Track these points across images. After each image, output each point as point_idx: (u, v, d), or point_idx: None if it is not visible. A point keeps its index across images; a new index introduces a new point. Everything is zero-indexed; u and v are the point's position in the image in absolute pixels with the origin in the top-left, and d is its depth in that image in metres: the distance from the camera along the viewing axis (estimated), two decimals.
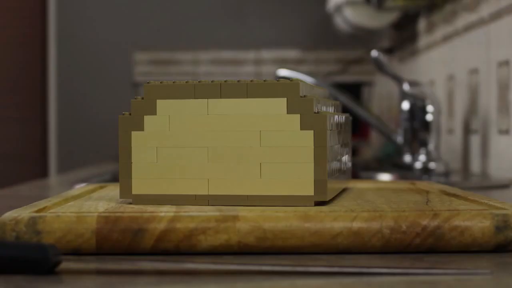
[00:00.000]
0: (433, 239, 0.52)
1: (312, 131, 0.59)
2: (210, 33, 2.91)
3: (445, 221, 0.53)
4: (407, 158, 1.42)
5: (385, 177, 1.26)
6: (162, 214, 0.53)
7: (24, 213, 0.54)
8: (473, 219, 0.53)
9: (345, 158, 0.71)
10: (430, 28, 1.83)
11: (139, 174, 0.61)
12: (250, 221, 0.52)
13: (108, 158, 2.37)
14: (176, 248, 0.52)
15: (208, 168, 0.60)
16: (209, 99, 0.60)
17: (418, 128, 1.41)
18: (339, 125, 0.66)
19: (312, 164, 0.59)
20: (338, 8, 2.16)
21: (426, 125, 1.41)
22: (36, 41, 3.04)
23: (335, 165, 0.63)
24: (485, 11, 1.39)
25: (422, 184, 0.79)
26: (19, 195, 1.02)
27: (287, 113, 0.59)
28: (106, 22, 2.94)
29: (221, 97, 0.60)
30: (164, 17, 2.93)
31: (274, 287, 0.44)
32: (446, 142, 1.62)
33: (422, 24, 1.91)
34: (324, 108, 0.64)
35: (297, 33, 2.90)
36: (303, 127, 0.59)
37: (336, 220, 0.53)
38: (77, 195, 0.66)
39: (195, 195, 0.60)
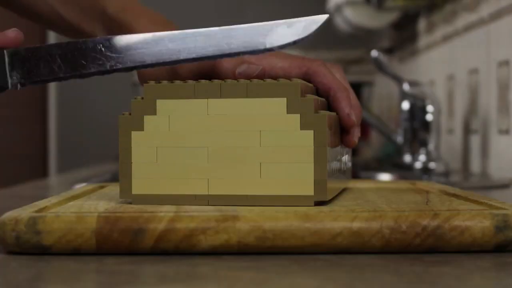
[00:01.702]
0: (433, 239, 0.52)
1: (312, 131, 0.59)
2: None
3: (445, 221, 0.53)
4: (407, 158, 1.42)
5: (385, 177, 1.26)
6: (162, 214, 0.53)
7: (24, 213, 0.54)
8: (473, 219, 0.53)
9: (345, 158, 0.71)
10: (430, 28, 1.83)
11: (139, 174, 0.61)
12: (250, 221, 0.52)
13: (108, 158, 2.37)
14: (176, 248, 0.52)
15: (208, 168, 0.60)
16: (209, 99, 0.60)
17: (418, 128, 1.41)
18: (339, 124, 0.66)
19: (312, 164, 0.59)
20: (338, 8, 2.16)
21: (426, 125, 1.41)
22: (36, 41, 3.04)
23: (335, 165, 0.63)
24: (485, 11, 1.39)
25: (422, 184, 0.79)
26: (19, 195, 1.02)
27: (287, 113, 0.59)
28: None
29: (221, 97, 0.60)
30: (164, 17, 2.93)
31: (274, 286, 0.44)
32: (446, 142, 1.62)
33: (422, 24, 1.91)
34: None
35: None
36: (303, 127, 0.59)
37: (336, 220, 0.53)
38: (77, 195, 0.66)
39: (195, 195, 0.60)
